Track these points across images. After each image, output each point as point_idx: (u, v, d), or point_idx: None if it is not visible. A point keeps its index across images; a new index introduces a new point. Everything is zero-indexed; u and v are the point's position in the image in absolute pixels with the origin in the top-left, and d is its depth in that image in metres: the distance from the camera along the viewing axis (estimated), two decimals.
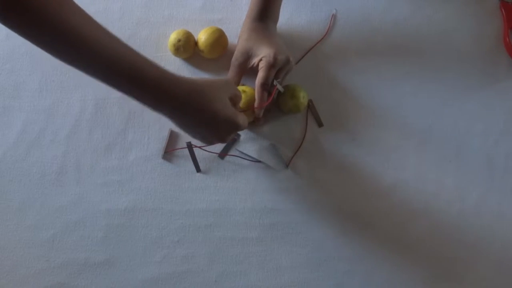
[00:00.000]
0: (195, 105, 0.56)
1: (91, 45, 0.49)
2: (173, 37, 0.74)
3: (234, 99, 0.63)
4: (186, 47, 0.74)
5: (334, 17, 0.80)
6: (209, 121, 0.59)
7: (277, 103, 0.75)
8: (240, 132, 0.75)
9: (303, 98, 0.73)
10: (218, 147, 0.75)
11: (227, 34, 0.76)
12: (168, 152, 0.75)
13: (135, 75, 0.52)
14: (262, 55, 0.68)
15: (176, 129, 0.75)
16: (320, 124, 0.76)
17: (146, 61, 0.53)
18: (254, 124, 0.75)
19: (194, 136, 0.63)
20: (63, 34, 0.47)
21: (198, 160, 0.75)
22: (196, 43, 0.75)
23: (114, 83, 0.52)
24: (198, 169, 0.75)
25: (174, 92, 0.54)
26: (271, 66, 0.67)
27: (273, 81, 0.69)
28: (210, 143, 0.65)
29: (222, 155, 0.75)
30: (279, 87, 0.70)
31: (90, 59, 0.50)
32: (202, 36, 0.74)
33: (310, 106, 0.76)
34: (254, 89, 0.70)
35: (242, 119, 0.63)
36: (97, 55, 0.49)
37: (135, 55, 0.52)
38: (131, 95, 0.54)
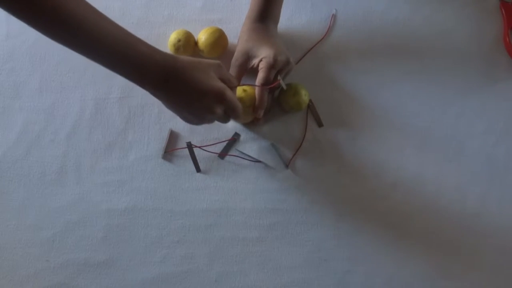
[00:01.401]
0: (178, 78, 0.57)
1: (77, 22, 0.52)
2: (173, 37, 0.74)
3: (225, 81, 0.62)
4: (186, 47, 0.74)
5: (334, 17, 0.80)
6: (195, 95, 0.59)
7: (278, 101, 0.75)
8: (240, 132, 0.75)
9: (305, 96, 0.73)
10: (218, 147, 0.75)
11: (227, 34, 0.76)
12: (168, 152, 0.75)
13: (121, 50, 0.54)
14: (262, 56, 0.68)
15: (176, 129, 0.75)
16: (320, 124, 0.76)
17: (132, 37, 0.56)
18: (254, 124, 0.75)
19: (184, 116, 0.63)
20: (51, 11, 0.50)
21: (198, 160, 0.75)
22: (196, 43, 0.75)
23: (99, 58, 0.55)
24: (198, 169, 0.75)
25: (157, 64, 0.56)
26: (271, 67, 0.67)
27: (276, 76, 0.69)
28: (201, 119, 0.64)
29: (222, 155, 0.75)
30: (282, 83, 0.70)
31: (75, 36, 0.53)
32: (202, 36, 0.74)
33: (310, 106, 0.76)
34: (254, 89, 0.70)
35: (230, 92, 0.62)
36: (82, 32, 0.52)
37: (121, 31, 0.55)
38: (117, 70, 0.56)
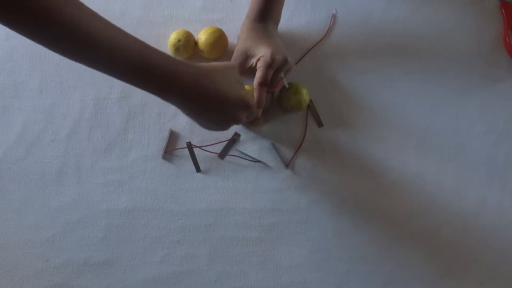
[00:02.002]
0: (203, 89, 0.56)
1: (95, 38, 0.48)
2: (173, 37, 0.74)
3: (239, 84, 0.62)
4: (186, 47, 0.74)
5: (334, 17, 0.80)
6: (220, 103, 0.58)
7: (279, 99, 0.75)
8: (240, 132, 0.75)
9: (306, 95, 0.73)
10: (218, 146, 0.75)
11: (227, 34, 0.76)
12: (168, 152, 0.75)
13: (140, 64, 0.51)
14: (260, 55, 0.68)
15: (176, 129, 0.75)
16: (320, 124, 0.76)
17: (151, 49, 0.53)
18: (254, 123, 0.75)
19: (207, 125, 0.62)
20: (67, 29, 0.47)
21: (198, 160, 0.75)
22: (196, 43, 0.75)
23: (121, 75, 0.52)
24: (198, 169, 0.75)
25: (181, 75, 0.54)
26: (268, 66, 0.67)
27: (275, 75, 0.69)
28: (224, 128, 0.64)
29: (222, 155, 0.75)
30: (285, 81, 0.70)
31: (94, 52, 0.49)
32: (202, 36, 0.74)
33: (310, 106, 0.76)
34: (253, 89, 0.70)
35: (252, 98, 0.62)
36: (97, 47, 0.49)
37: (139, 44, 0.52)
38: (137, 84, 0.53)
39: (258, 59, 0.69)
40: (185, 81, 0.54)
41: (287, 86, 0.72)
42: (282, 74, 0.69)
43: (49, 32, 0.47)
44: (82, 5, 0.49)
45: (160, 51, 0.53)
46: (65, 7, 0.46)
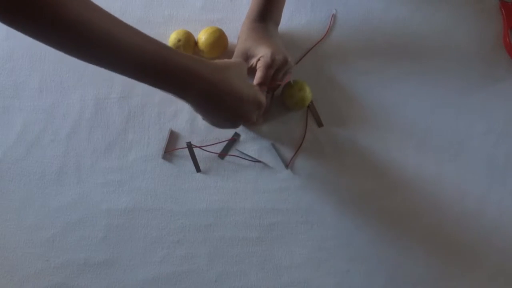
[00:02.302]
0: (221, 86, 0.56)
1: (116, 41, 0.48)
2: (173, 37, 0.74)
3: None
4: (186, 47, 0.74)
5: (334, 17, 0.80)
6: (235, 100, 0.58)
7: (283, 96, 0.75)
8: (240, 132, 0.75)
9: (309, 92, 0.73)
10: (218, 146, 0.75)
11: (227, 34, 0.76)
12: (168, 152, 0.75)
13: (156, 63, 0.51)
14: (260, 55, 0.68)
15: (176, 129, 0.75)
16: (320, 124, 0.76)
17: (169, 49, 0.53)
18: (254, 124, 0.75)
19: (219, 122, 0.62)
20: (86, 33, 0.47)
21: (198, 160, 0.75)
22: (196, 43, 0.75)
23: (140, 76, 0.52)
24: (198, 169, 0.75)
25: (200, 73, 0.54)
26: (268, 66, 0.67)
27: (275, 75, 0.69)
28: (236, 125, 0.64)
29: (222, 155, 0.75)
30: (290, 79, 0.71)
31: (105, 53, 0.49)
32: (202, 36, 0.74)
33: (310, 106, 0.76)
34: None
35: (264, 96, 0.63)
36: (111, 49, 0.49)
37: (157, 44, 0.52)
38: (155, 84, 0.53)
39: (258, 59, 0.69)
40: (204, 78, 0.55)
41: (292, 82, 0.72)
42: (290, 70, 0.70)
43: (59, 35, 0.46)
44: (99, 8, 0.49)
45: (175, 50, 0.54)
46: (78, 8, 0.46)
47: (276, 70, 0.69)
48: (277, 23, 0.73)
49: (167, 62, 0.52)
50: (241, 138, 0.76)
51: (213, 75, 0.56)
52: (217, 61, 0.58)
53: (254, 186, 0.75)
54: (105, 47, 0.48)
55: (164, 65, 0.52)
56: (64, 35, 0.46)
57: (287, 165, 0.75)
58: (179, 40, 0.74)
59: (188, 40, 0.74)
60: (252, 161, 0.75)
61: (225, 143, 0.75)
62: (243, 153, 0.75)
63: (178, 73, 0.53)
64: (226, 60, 0.60)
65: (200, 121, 0.75)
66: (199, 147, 0.74)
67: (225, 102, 0.58)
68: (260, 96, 0.62)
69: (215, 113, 0.60)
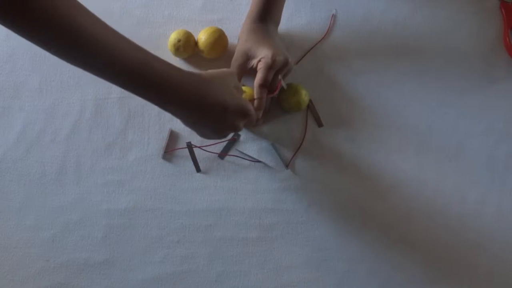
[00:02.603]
0: (203, 97, 0.56)
1: (94, 43, 0.48)
2: (173, 37, 0.74)
3: (237, 90, 0.62)
4: (186, 47, 0.74)
5: (334, 17, 0.80)
6: (219, 112, 0.58)
7: (279, 100, 0.75)
8: (240, 132, 0.75)
9: (305, 96, 0.73)
10: (218, 146, 0.75)
11: (227, 34, 0.76)
12: (168, 152, 0.75)
13: (140, 71, 0.51)
14: (261, 56, 0.68)
15: (176, 129, 0.75)
16: (320, 124, 0.76)
17: (152, 56, 0.53)
18: (254, 124, 0.75)
19: (205, 133, 0.62)
20: (70, 34, 0.47)
21: (198, 160, 0.75)
22: (196, 43, 0.75)
23: (118, 81, 0.52)
24: (198, 169, 0.75)
25: (181, 84, 0.54)
26: (269, 67, 0.67)
27: (276, 77, 0.69)
28: (222, 136, 0.63)
29: (222, 155, 0.75)
30: (283, 83, 0.70)
31: (93, 57, 0.49)
32: (202, 36, 0.74)
33: (310, 106, 0.76)
34: (253, 90, 0.70)
35: (251, 105, 0.62)
36: (99, 53, 0.49)
37: (140, 51, 0.52)
38: (137, 92, 0.53)
39: (259, 60, 0.69)
40: (185, 88, 0.54)
41: (285, 87, 0.72)
42: (280, 76, 0.69)
43: (51, 35, 0.47)
44: (86, 10, 0.49)
45: (161, 59, 0.53)
46: (69, 11, 0.46)
47: (277, 71, 0.69)
48: (277, 23, 0.73)
49: (151, 70, 0.52)
50: (241, 138, 0.76)
51: (193, 86, 0.55)
52: (202, 72, 0.58)
53: (254, 186, 0.75)
54: (93, 51, 0.48)
55: (147, 73, 0.51)
56: (53, 37, 0.47)
57: (287, 165, 0.75)
58: (179, 40, 0.74)
59: (188, 40, 0.74)
60: (252, 161, 0.75)
61: (225, 143, 0.75)
62: (243, 153, 0.75)
63: (160, 81, 0.52)
64: (213, 70, 0.60)
65: None
66: (199, 147, 0.74)
67: (207, 113, 0.57)
68: (246, 105, 0.61)
69: (198, 124, 0.60)
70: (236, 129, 0.63)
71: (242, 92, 0.65)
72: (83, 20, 0.47)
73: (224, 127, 0.61)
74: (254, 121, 0.65)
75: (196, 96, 0.55)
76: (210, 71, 0.59)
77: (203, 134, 0.63)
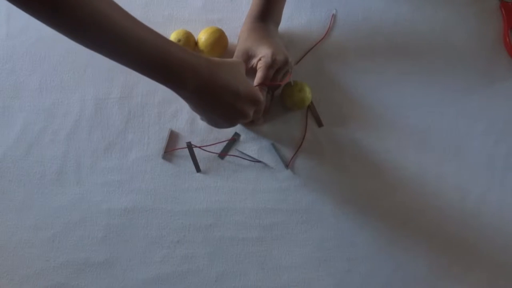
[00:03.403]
0: (218, 81, 0.56)
1: (117, 30, 0.49)
2: (173, 37, 0.74)
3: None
4: (186, 47, 0.74)
5: (334, 17, 0.80)
6: (231, 96, 0.58)
7: (282, 96, 0.74)
8: (240, 132, 0.75)
9: (309, 93, 0.73)
10: (218, 146, 0.75)
11: (227, 34, 0.76)
12: (168, 152, 0.75)
13: (158, 54, 0.52)
14: (261, 55, 0.68)
15: (176, 129, 0.75)
16: (320, 124, 0.76)
17: (169, 41, 0.53)
18: (254, 124, 0.75)
19: (216, 120, 0.62)
20: (90, 19, 0.47)
21: (198, 160, 0.75)
22: (196, 43, 0.75)
23: (139, 67, 0.53)
24: (198, 169, 0.75)
25: (195, 67, 0.54)
26: (269, 66, 0.67)
27: (275, 75, 0.69)
28: (232, 123, 0.64)
29: (222, 155, 0.75)
30: (291, 78, 0.70)
31: (115, 43, 0.50)
32: (202, 36, 0.74)
33: (310, 106, 0.76)
34: None
35: (260, 93, 0.63)
36: (121, 39, 0.50)
37: (158, 37, 0.53)
38: (153, 76, 0.54)
39: (259, 60, 0.69)
40: (200, 72, 0.55)
41: (292, 83, 0.72)
42: (290, 69, 0.69)
43: (73, 21, 0.47)
44: None
45: (176, 43, 0.54)
46: None
47: (276, 70, 0.69)
48: (277, 22, 0.73)
49: (165, 55, 0.52)
50: (241, 138, 0.76)
51: (208, 69, 0.56)
52: (212, 57, 0.58)
53: (254, 186, 0.75)
54: (106, 32, 0.49)
55: (162, 58, 0.52)
56: (70, 18, 0.47)
57: (287, 165, 0.75)
58: (179, 40, 0.74)
59: (188, 40, 0.74)
60: (252, 161, 0.75)
61: (225, 143, 0.75)
62: (243, 153, 0.75)
63: (174, 66, 0.53)
64: (222, 59, 0.60)
65: (200, 121, 0.75)
66: (199, 147, 0.74)
67: (219, 97, 0.58)
68: (256, 93, 0.62)
69: (210, 109, 0.60)
70: (246, 117, 0.62)
71: (256, 88, 0.65)
72: (102, 5, 0.48)
73: (234, 112, 0.61)
74: (262, 111, 0.65)
75: (211, 80, 0.56)
76: (220, 59, 0.59)
77: (211, 121, 0.63)
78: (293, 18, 0.79)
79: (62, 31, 0.49)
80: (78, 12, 0.47)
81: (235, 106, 0.60)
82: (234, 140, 0.75)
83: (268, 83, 0.68)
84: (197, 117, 0.73)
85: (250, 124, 0.75)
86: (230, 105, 0.59)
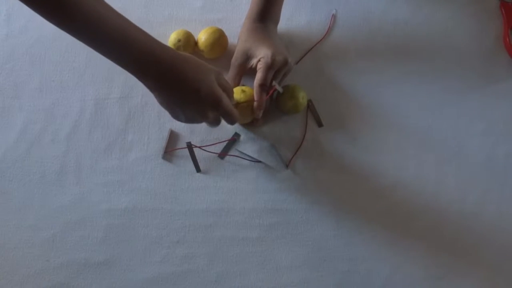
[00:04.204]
0: (179, 74, 0.57)
1: (89, 13, 0.51)
2: (173, 37, 0.74)
3: (224, 89, 0.62)
4: (186, 47, 0.74)
5: (334, 17, 0.80)
6: (191, 92, 0.58)
7: (276, 103, 0.75)
8: (240, 132, 0.76)
9: (302, 98, 0.73)
10: (218, 146, 0.75)
11: (227, 34, 0.76)
12: (168, 152, 0.75)
13: (124, 39, 0.54)
14: (260, 56, 0.68)
15: (176, 129, 0.76)
16: (320, 124, 0.76)
17: (134, 26, 0.55)
18: (253, 124, 0.75)
19: (177, 114, 0.62)
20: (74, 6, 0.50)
21: (198, 160, 0.75)
22: (196, 43, 0.75)
23: (104, 48, 0.54)
24: (198, 169, 0.75)
25: (160, 57, 0.56)
26: (269, 67, 0.67)
27: (271, 82, 0.69)
28: (191, 121, 0.63)
29: (222, 155, 0.75)
30: (278, 87, 0.70)
31: (81, 23, 0.52)
32: (202, 36, 0.74)
33: (310, 106, 0.76)
34: (253, 90, 0.70)
35: (227, 99, 0.62)
36: (85, 19, 0.51)
37: (123, 20, 0.55)
38: (119, 61, 0.55)
39: (259, 60, 0.69)
40: (164, 61, 0.56)
41: (281, 91, 0.72)
42: (274, 82, 0.69)
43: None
44: None
45: (145, 32, 0.56)
46: None
47: (276, 70, 0.69)
48: (276, 22, 0.73)
49: (132, 39, 0.54)
50: (241, 138, 0.76)
51: (172, 61, 0.57)
52: (184, 54, 0.60)
53: (254, 186, 0.75)
54: (83, 17, 0.51)
55: (129, 40, 0.54)
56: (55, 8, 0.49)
57: (287, 165, 0.75)
58: (179, 40, 0.74)
59: (188, 40, 0.74)
60: (252, 161, 0.75)
61: (225, 143, 0.75)
62: (243, 153, 0.75)
63: (141, 49, 0.55)
64: (201, 60, 0.61)
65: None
66: (199, 147, 0.74)
67: (181, 91, 0.58)
68: (219, 95, 0.60)
69: (172, 102, 0.60)
70: (205, 118, 0.62)
71: (231, 92, 0.64)
72: None
73: (193, 109, 0.61)
74: (232, 115, 0.63)
75: (172, 71, 0.57)
76: (192, 56, 0.60)
77: (174, 114, 0.63)
78: (293, 18, 0.79)
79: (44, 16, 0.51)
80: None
81: (194, 103, 0.60)
82: (234, 140, 0.75)
83: (264, 87, 0.68)
84: None
85: (250, 125, 0.75)
86: (189, 101, 0.59)
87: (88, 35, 0.53)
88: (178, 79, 0.57)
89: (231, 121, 0.65)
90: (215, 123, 0.65)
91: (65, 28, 0.52)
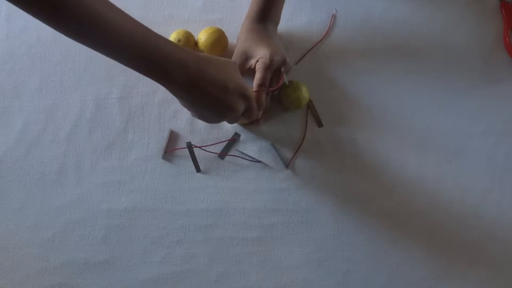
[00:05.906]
0: (207, 76, 0.57)
1: (104, 24, 0.49)
2: (173, 37, 0.74)
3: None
4: (186, 47, 0.74)
5: (334, 17, 0.80)
6: (219, 91, 0.58)
7: (279, 96, 0.75)
8: (240, 132, 0.76)
9: (305, 92, 0.73)
10: (218, 146, 0.75)
11: (227, 34, 0.76)
12: (168, 152, 0.75)
13: (145, 47, 0.52)
14: (259, 56, 0.68)
15: (176, 129, 0.75)
16: (320, 124, 0.76)
17: (157, 35, 0.54)
18: (254, 125, 0.75)
19: (205, 114, 0.62)
20: (79, 11, 0.48)
21: (198, 160, 0.75)
22: (196, 43, 0.75)
23: (126, 59, 0.53)
24: (198, 169, 0.75)
25: (186, 62, 0.55)
26: (267, 67, 0.68)
27: (276, 74, 0.69)
28: (221, 117, 0.63)
29: (222, 155, 0.75)
30: (285, 78, 0.70)
31: (102, 36, 0.50)
32: (202, 36, 0.74)
33: (310, 106, 0.76)
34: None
35: (250, 90, 0.63)
36: (110, 32, 0.50)
37: (145, 30, 0.53)
38: (141, 69, 0.54)
39: (257, 61, 0.69)
40: (187, 65, 0.55)
41: (287, 83, 0.72)
42: (282, 69, 0.69)
43: (59, 12, 0.47)
44: None
45: (165, 38, 0.55)
46: None
47: (275, 71, 0.69)
48: (276, 23, 0.73)
49: (153, 48, 0.53)
50: (241, 138, 0.76)
51: (196, 64, 0.56)
52: (203, 54, 0.59)
53: (254, 186, 0.75)
54: (97, 27, 0.49)
55: (150, 50, 0.53)
56: (61, 13, 0.48)
57: (287, 165, 0.75)
58: (179, 40, 0.74)
59: (188, 40, 0.74)
60: (252, 161, 0.75)
61: (225, 143, 0.75)
62: (243, 153, 0.75)
63: (162, 59, 0.53)
64: (217, 57, 0.60)
65: (200, 121, 0.75)
66: (199, 147, 0.74)
67: (207, 92, 0.58)
68: (246, 89, 0.61)
69: (199, 104, 0.60)
70: (235, 110, 0.62)
71: (246, 84, 0.65)
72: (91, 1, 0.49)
73: (223, 105, 0.60)
74: (254, 111, 0.65)
75: (198, 75, 0.56)
76: (209, 55, 0.60)
77: (203, 116, 0.62)
78: (293, 18, 0.79)
79: (52, 25, 0.49)
80: (75, 9, 0.47)
81: (224, 100, 0.59)
82: (234, 140, 0.75)
83: (266, 88, 0.68)
84: None
85: (250, 125, 0.75)
86: (218, 99, 0.59)
87: (107, 48, 0.52)
88: (204, 82, 0.57)
89: (252, 114, 0.66)
90: (238, 117, 0.65)
91: (82, 40, 0.51)
